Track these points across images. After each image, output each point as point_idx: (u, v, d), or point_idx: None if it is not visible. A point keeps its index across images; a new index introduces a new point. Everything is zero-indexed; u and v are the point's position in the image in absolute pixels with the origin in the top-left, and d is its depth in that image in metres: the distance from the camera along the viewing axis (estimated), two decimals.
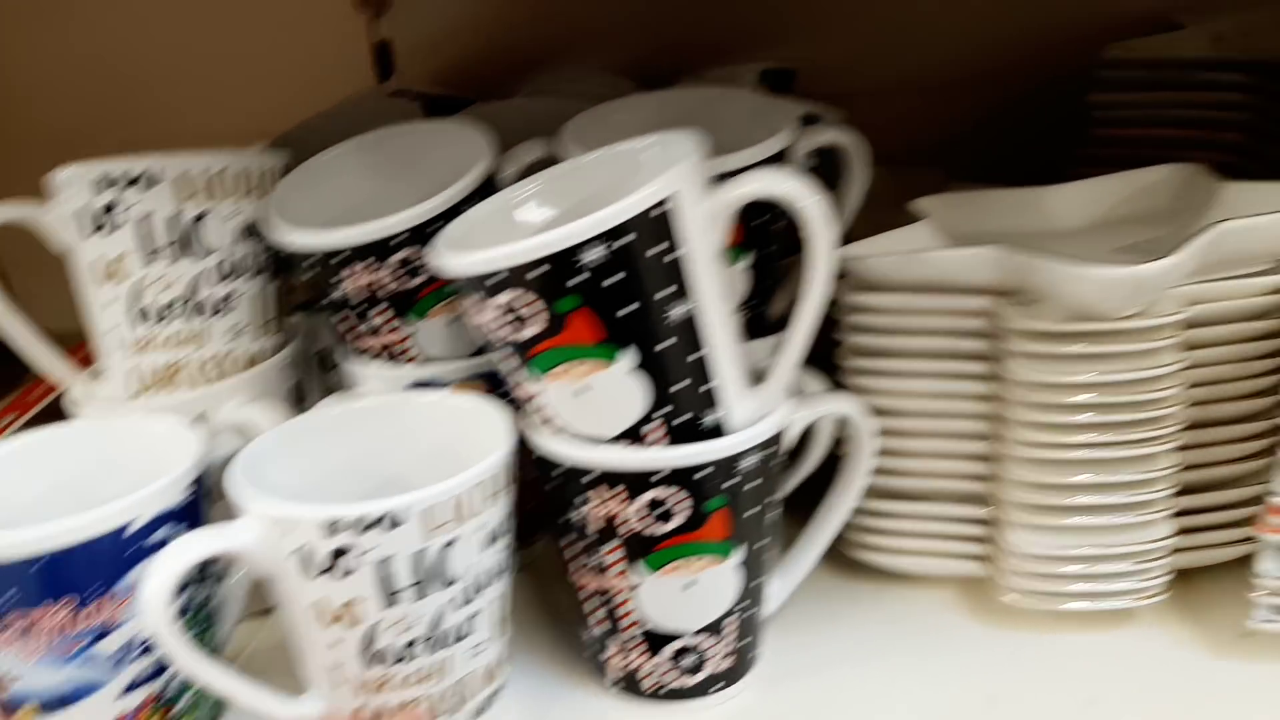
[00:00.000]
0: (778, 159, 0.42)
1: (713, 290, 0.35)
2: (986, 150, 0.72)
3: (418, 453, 0.40)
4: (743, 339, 0.38)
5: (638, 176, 0.35)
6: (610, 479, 0.36)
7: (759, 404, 0.37)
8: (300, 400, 0.48)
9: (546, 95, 0.60)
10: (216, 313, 0.43)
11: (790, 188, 0.34)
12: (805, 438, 0.45)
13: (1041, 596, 0.42)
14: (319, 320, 0.48)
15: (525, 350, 0.35)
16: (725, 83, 0.66)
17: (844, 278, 0.43)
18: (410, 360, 0.43)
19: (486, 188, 0.41)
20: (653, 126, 0.46)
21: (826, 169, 0.48)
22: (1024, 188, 0.50)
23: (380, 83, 0.78)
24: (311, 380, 0.50)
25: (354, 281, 0.41)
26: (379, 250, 0.40)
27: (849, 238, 0.43)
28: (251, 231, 0.44)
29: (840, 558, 0.46)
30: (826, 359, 0.44)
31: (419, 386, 0.43)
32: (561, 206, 0.38)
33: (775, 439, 0.38)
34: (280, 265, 0.46)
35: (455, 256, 0.34)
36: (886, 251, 0.42)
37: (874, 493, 0.45)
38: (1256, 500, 0.40)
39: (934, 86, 0.73)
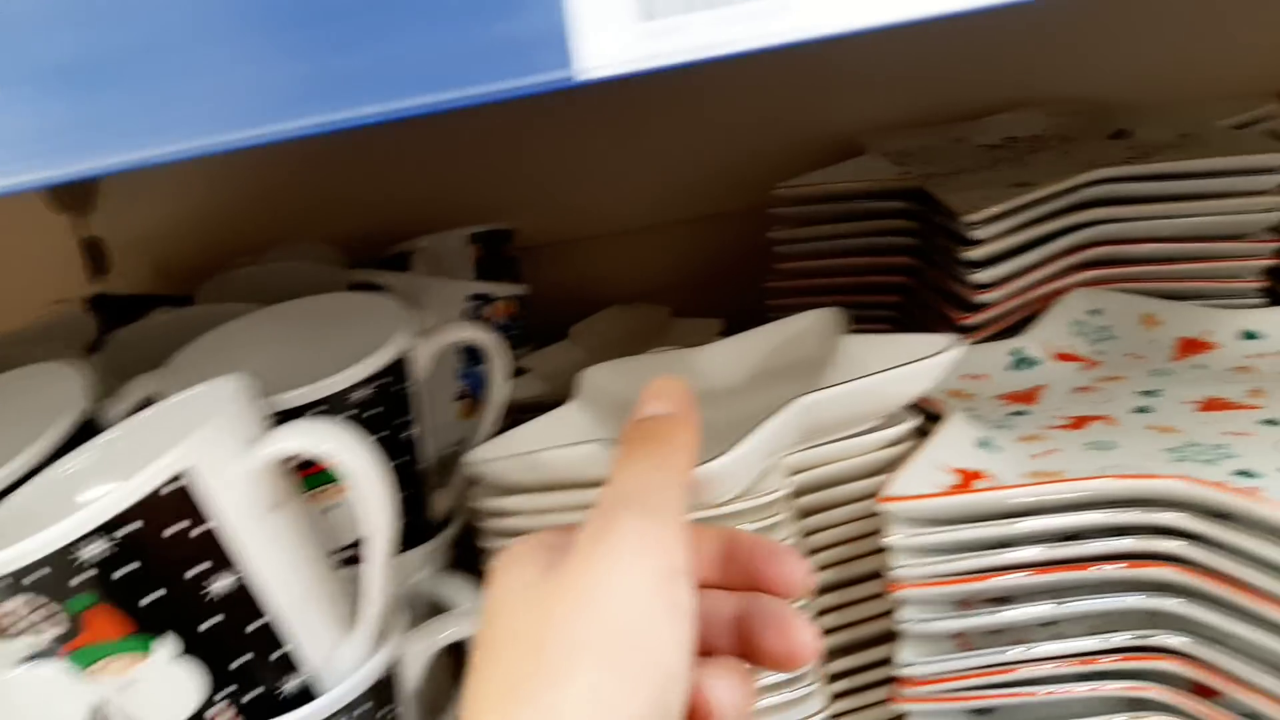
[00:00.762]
0: (386, 373, 0.41)
1: (269, 551, 0.33)
2: (712, 286, 0.73)
3: None
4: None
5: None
6: None
7: (356, 654, 0.35)
8: None
9: (224, 295, 0.58)
10: None
11: (327, 446, 0.33)
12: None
13: None
14: None
15: (56, 652, 0.32)
16: (438, 249, 0.66)
17: (477, 482, 0.42)
18: None
19: (85, 435, 0.39)
20: (272, 346, 0.45)
21: None
22: (681, 349, 0.50)
23: (93, 281, 0.75)
24: None
25: None
26: None
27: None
28: None
29: None
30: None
31: None
32: (118, 477, 0.36)
33: (380, 685, 0.36)
34: None
35: None
36: (502, 454, 0.41)
37: None
38: None
39: (658, 226, 0.75)
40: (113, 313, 0.62)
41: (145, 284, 0.74)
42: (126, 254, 0.75)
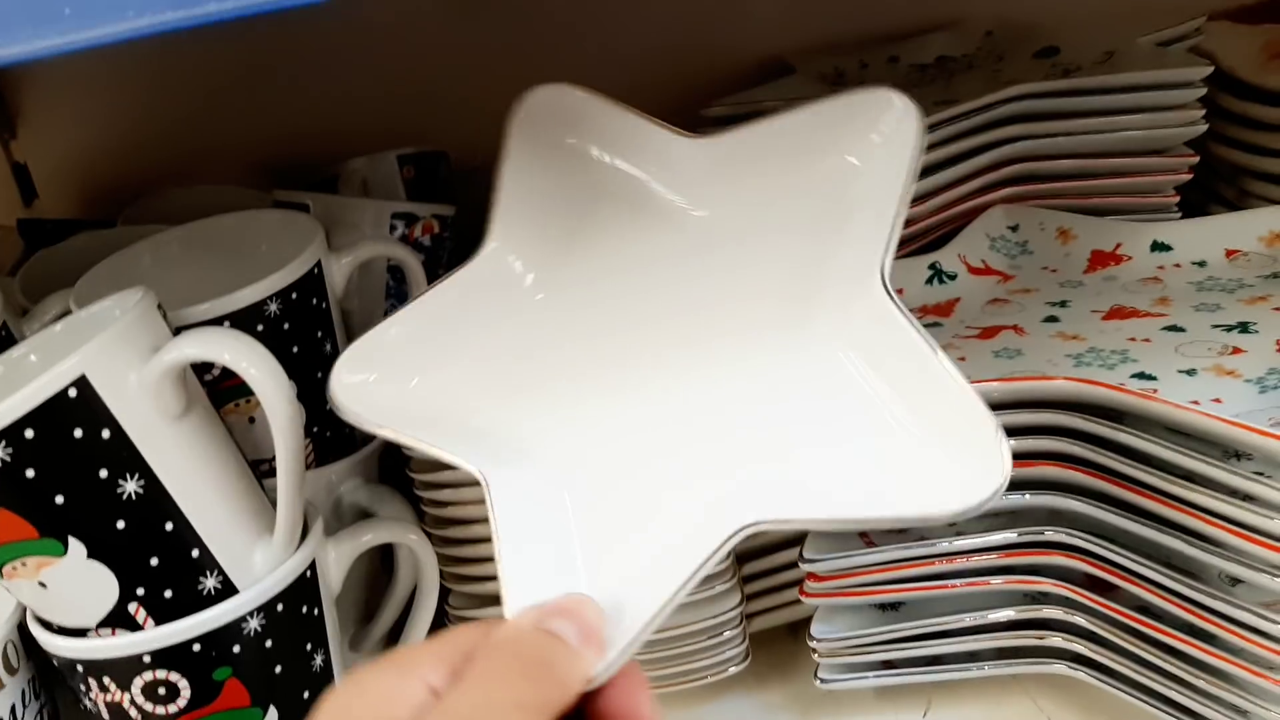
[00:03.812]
0: (298, 287, 0.41)
1: (174, 457, 0.33)
2: None
3: None
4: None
5: None
6: (94, 668, 0.34)
7: (271, 557, 0.36)
8: None
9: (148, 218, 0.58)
10: None
11: (227, 354, 0.33)
12: (393, 563, 0.44)
13: None
14: None
15: None
16: (368, 172, 0.65)
17: None
18: None
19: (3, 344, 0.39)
20: (185, 264, 0.44)
21: None
22: None
23: (25, 207, 0.74)
24: None
25: None
26: None
27: None
28: None
29: None
30: None
31: None
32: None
33: (299, 586, 0.37)
34: None
35: None
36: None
37: (473, 600, 0.45)
38: None
39: None
40: (39, 237, 0.61)
41: (73, 211, 0.73)
42: (52, 181, 0.74)
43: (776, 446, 0.29)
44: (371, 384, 0.34)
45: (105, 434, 0.32)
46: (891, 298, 0.30)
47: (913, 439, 0.28)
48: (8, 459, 0.30)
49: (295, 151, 0.69)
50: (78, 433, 0.31)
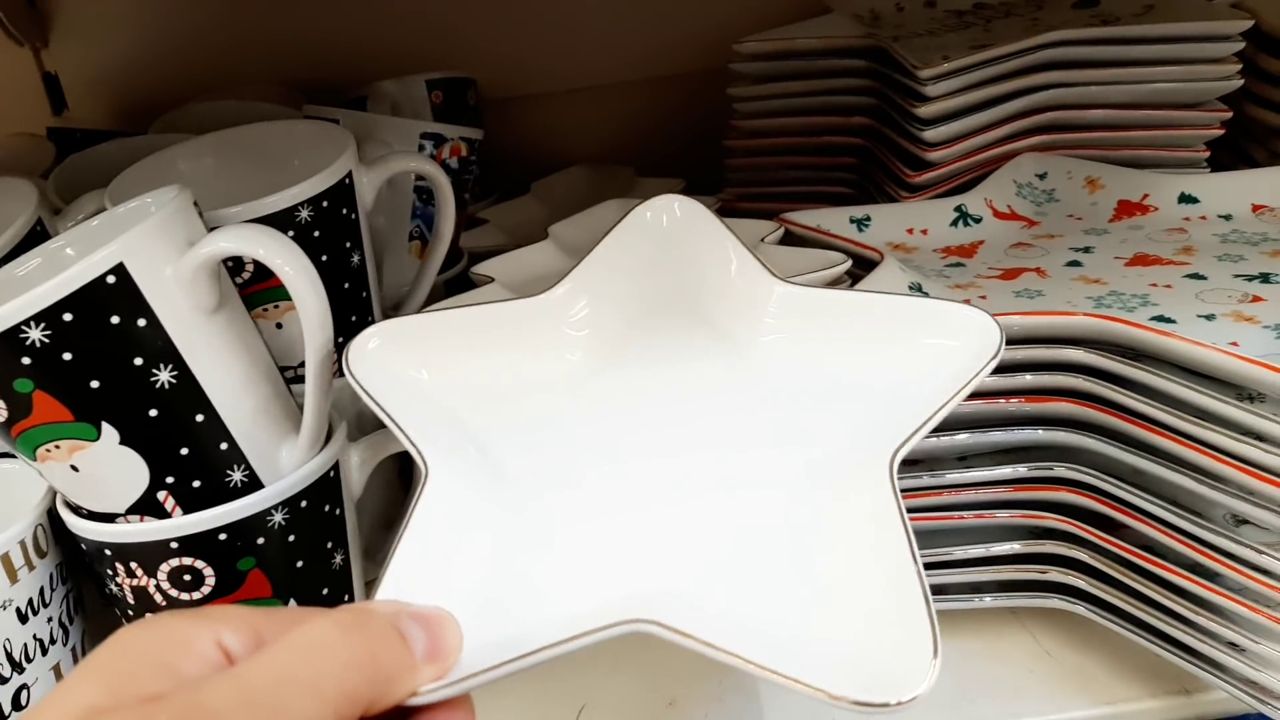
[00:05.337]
0: (329, 195, 0.41)
1: (206, 350, 0.34)
2: (673, 146, 0.73)
3: None
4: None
5: None
6: (122, 553, 0.35)
7: (296, 455, 0.37)
8: None
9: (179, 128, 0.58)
10: None
11: (261, 250, 0.33)
12: (411, 478, 0.45)
13: None
14: None
15: (8, 433, 0.33)
16: (397, 94, 0.65)
17: None
18: None
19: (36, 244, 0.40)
20: (218, 168, 0.45)
21: None
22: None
23: (55, 116, 0.74)
24: None
25: None
26: None
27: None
28: None
29: None
30: None
31: None
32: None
33: (321, 485, 0.38)
34: None
35: None
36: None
37: None
38: None
39: (620, 85, 0.74)
40: (69, 146, 0.62)
41: (101, 124, 0.73)
42: (84, 93, 0.74)
43: (716, 570, 0.28)
44: (385, 358, 0.34)
45: (141, 323, 0.32)
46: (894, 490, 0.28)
47: (850, 623, 0.25)
48: (46, 341, 0.31)
49: (325, 72, 0.70)
50: (114, 319, 0.32)
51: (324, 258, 0.42)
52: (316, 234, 0.41)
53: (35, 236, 0.41)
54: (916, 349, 0.33)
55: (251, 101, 0.62)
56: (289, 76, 0.71)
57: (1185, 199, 0.49)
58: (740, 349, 0.36)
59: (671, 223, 0.39)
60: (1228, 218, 0.47)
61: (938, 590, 0.41)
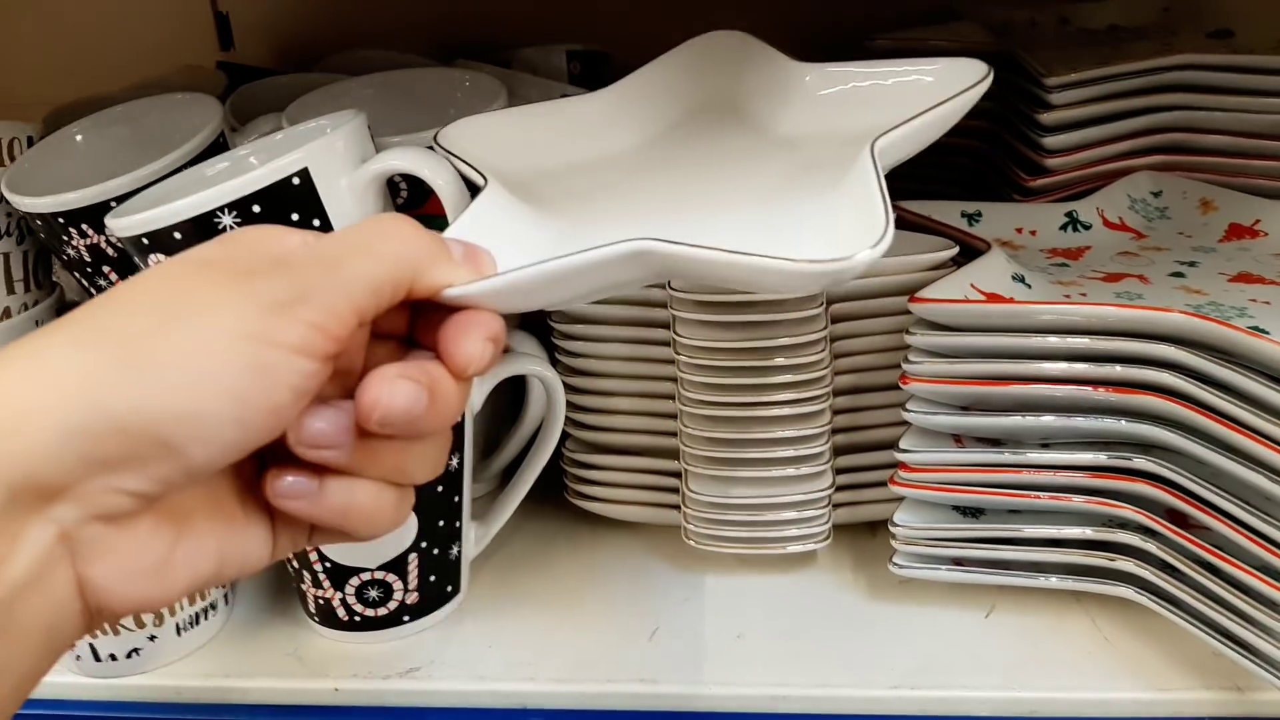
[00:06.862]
0: None
1: None
2: None
3: None
4: None
5: None
6: None
7: None
8: None
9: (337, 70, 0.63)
10: None
11: (428, 170, 0.37)
12: (523, 396, 0.49)
13: (714, 540, 0.46)
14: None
15: None
16: (536, 61, 0.69)
17: None
18: None
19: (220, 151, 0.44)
20: (383, 102, 0.49)
21: None
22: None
23: (222, 52, 0.80)
24: None
25: (80, 243, 0.44)
26: (95, 214, 0.43)
27: None
28: None
29: (566, 505, 0.50)
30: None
31: None
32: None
33: None
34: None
35: (112, 219, 0.37)
36: None
37: (588, 446, 0.49)
38: None
39: None
40: (236, 78, 0.67)
41: (264, 63, 0.79)
42: (249, 34, 0.80)
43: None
44: (468, 141, 0.38)
45: (315, 223, 0.37)
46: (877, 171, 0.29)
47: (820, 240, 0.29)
48: (235, 226, 0.36)
49: (472, 33, 0.74)
50: (294, 217, 0.36)
51: None
52: None
53: (217, 146, 0.46)
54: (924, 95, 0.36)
55: (406, 54, 0.67)
56: (438, 38, 0.76)
57: None
58: (772, 130, 0.40)
59: (714, 44, 0.44)
60: None
61: (1004, 565, 0.43)
